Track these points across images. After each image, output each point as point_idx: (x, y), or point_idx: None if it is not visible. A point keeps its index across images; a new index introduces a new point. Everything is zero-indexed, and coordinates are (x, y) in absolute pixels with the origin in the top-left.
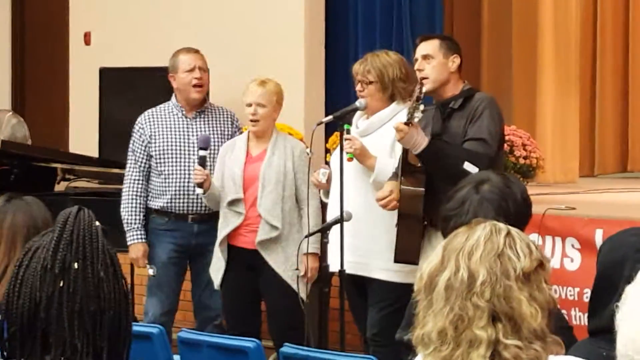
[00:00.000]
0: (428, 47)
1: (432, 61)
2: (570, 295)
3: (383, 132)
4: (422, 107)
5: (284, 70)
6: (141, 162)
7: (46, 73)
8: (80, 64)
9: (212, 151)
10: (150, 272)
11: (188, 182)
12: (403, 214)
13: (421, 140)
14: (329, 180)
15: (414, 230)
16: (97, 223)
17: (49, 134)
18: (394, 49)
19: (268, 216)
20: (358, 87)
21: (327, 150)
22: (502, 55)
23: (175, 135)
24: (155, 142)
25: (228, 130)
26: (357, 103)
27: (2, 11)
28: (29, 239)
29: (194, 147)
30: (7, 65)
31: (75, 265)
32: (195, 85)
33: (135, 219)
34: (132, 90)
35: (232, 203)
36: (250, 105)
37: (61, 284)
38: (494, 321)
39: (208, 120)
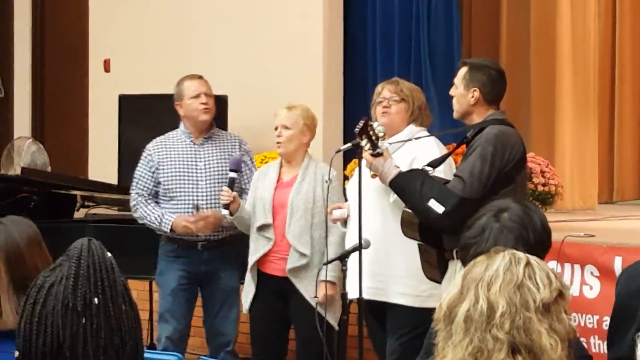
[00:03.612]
0: (458, 74)
1: (456, 91)
2: (590, 323)
3: (400, 154)
4: (365, 140)
5: (302, 97)
6: (144, 186)
7: (66, 100)
8: (100, 91)
9: (220, 175)
10: (224, 212)
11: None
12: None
13: (388, 173)
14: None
15: (428, 250)
16: (109, 254)
17: (69, 160)
18: (412, 77)
19: (296, 243)
20: (384, 104)
21: (346, 177)
22: (520, 83)
23: (183, 161)
24: (163, 169)
25: (236, 154)
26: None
27: (23, 39)
28: (10, 262)
29: (201, 173)
30: (27, 92)
31: (96, 300)
32: (202, 110)
33: (160, 212)
34: (151, 117)
35: (262, 228)
36: (276, 128)
37: (84, 321)
38: (514, 353)
39: (215, 146)
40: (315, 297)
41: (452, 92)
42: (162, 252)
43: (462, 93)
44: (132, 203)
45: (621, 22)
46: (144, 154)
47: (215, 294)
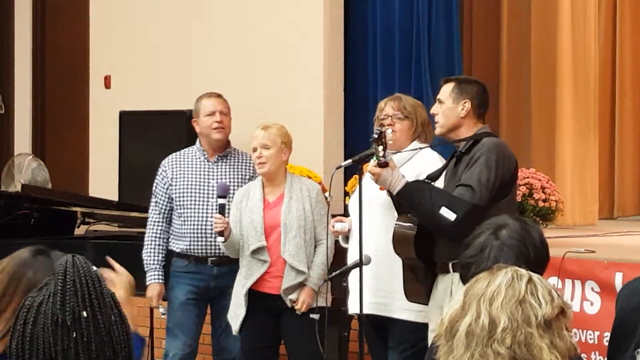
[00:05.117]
0: (443, 91)
1: (442, 106)
2: (590, 339)
3: (404, 170)
4: (380, 148)
5: (303, 113)
6: (162, 204)
7: (66, 117)
8: (100, 107)
9: (230, 195)
10: (161, 310)
11: (206, 225)
12: (399, 256)
13: (397, 182)
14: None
15: (415, 270)
16: (94, 267)
17: (69, 177)
18: (413, 93)
19: (294, 262)
20: (388, 122)
21: (347, 194)
22: (521, 99)
23: (196, 178)
24: (176, 185)
25: (248, 175)
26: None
27: (23, 55)
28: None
29: (213, 190)
30: (28, 108)
31: (84, 313)
32: (215, 128)
33: (154, 260)
34: (152, 134)
35: (256, 251)
36: (255, 149)
37: (74, 335)
38: None
39: (229, 165)
40: (316, 313)
41: (434, 109)
42: (173, 267)
43: (451, 107)
44: (147, 225)
45: (621, 39)
46: (160, 170)
47: (223, 310)
